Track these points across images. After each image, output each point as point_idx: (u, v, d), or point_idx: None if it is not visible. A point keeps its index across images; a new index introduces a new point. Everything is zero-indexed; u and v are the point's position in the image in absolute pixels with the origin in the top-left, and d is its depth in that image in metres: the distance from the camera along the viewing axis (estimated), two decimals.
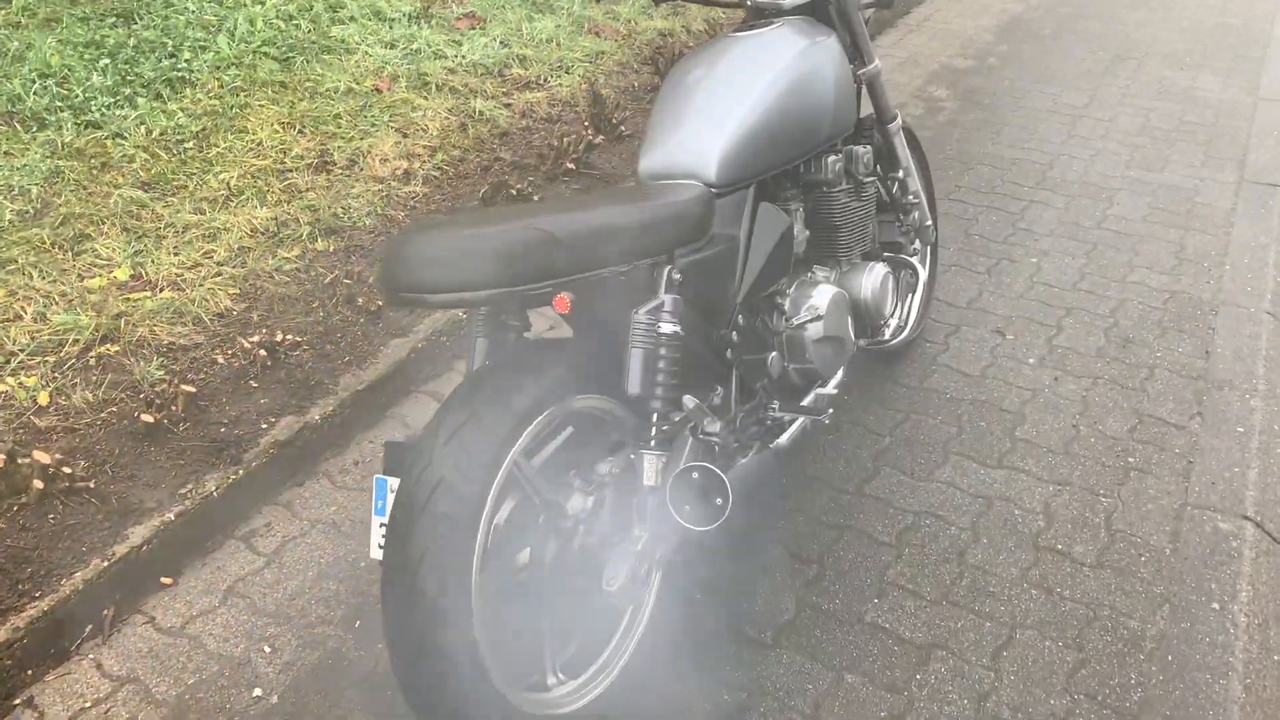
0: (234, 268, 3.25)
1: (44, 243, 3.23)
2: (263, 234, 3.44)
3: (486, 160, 4.07)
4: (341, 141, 4.02)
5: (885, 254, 2.64)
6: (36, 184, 3.51)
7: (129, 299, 3.05)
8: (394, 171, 3.90)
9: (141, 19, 4.78)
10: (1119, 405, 2.92)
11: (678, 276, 1.83)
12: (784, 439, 2.22)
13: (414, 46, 4.84)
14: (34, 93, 4.06)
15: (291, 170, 3.82)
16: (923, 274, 2.64)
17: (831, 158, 2.30)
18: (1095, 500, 2.57)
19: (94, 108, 4.02)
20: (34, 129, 3.88)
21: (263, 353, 2.79)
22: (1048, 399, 2.94)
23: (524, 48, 5.02)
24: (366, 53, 4.74)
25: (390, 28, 5.02)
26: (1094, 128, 4.85)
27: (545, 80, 4.78)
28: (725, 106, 2.13)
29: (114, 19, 4.78)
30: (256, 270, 3.25)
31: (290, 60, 4.59)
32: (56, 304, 2.97)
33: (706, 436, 1.91)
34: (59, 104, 4.03)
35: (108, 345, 2.85)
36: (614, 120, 4.28)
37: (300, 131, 4.06)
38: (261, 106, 4.17)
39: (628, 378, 1.76)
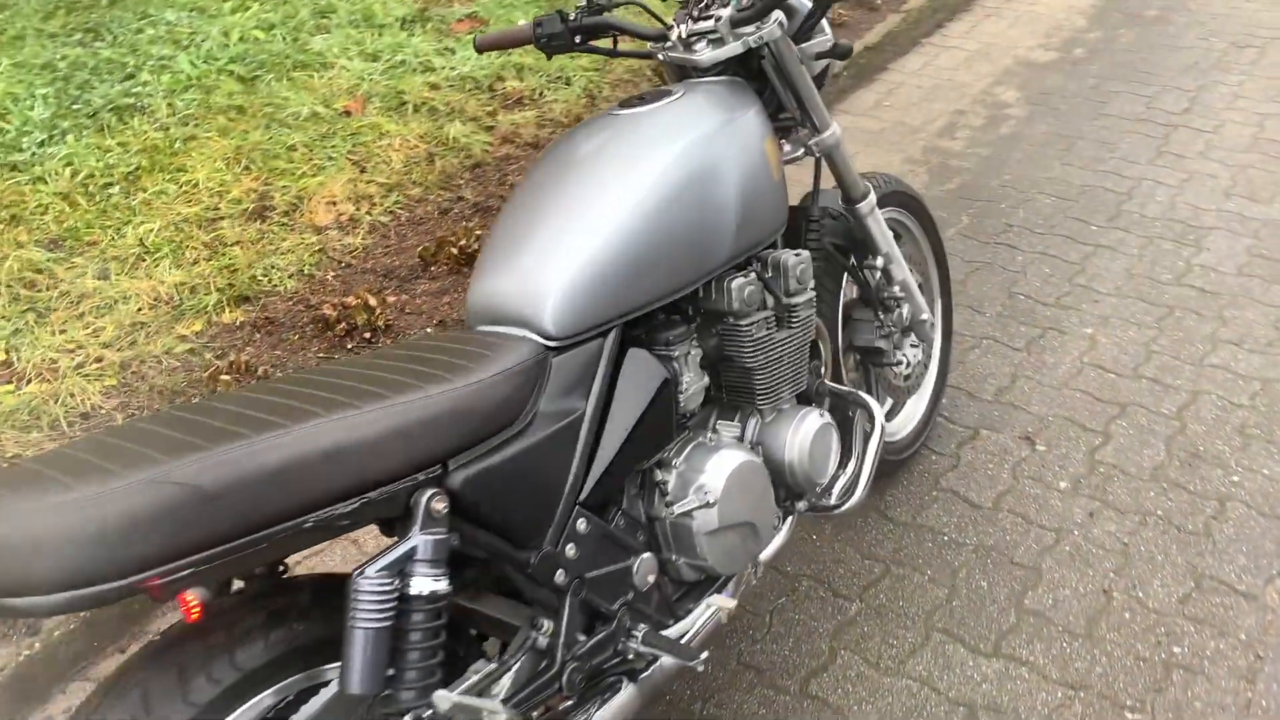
0: (119, 350, 2.82)
1: None
2: (165, 304, 2.99)
3: (448, 201, 3.55)
4: (289, 180, 3.55)
5: (833, 385, 2.01)
6: None
7: None
8: (338, 218, 3.41)
9: (110, 34, 4.39)
10: (1171, 558, 2.24)
11: (441, 507, 1.28)
12: (654, 673, 1.65)
13: (398, 58, 4.33)
14: None
15: (224, 218, 3.37)
16: (879, 417, 2.00)
17: (739, 280, 1.69)
18: (1119, 718, 1.92)
19: (25, 145, 3.64)
20: None
21: None
22: (1076, 546, 2.28)
23: (524, 55, 4.46)
24: (344, 68, 4.26)
25: (379, 35, 4.52)
26: (1191, 142, 4.03)
27: (541, 95, 4.22)
28: (580, 224, 1.56)
29: (81, 34, 4.41)
30: (144, 354, 2.81)
31: (257, 80, 4.14)
32: None
33: None
34: None
35: None
36: None
37: (245, 169, 3.60)
38: (209, 139, 3.73)
39: (344, 672, 1.22)
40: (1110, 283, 3.20)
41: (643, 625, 1.60)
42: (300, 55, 4.30)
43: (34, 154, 3.61)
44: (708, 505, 1.64)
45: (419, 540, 1.26)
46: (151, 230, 3.26)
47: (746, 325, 1.72)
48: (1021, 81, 4.62)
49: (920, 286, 2.39)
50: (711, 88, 1.80)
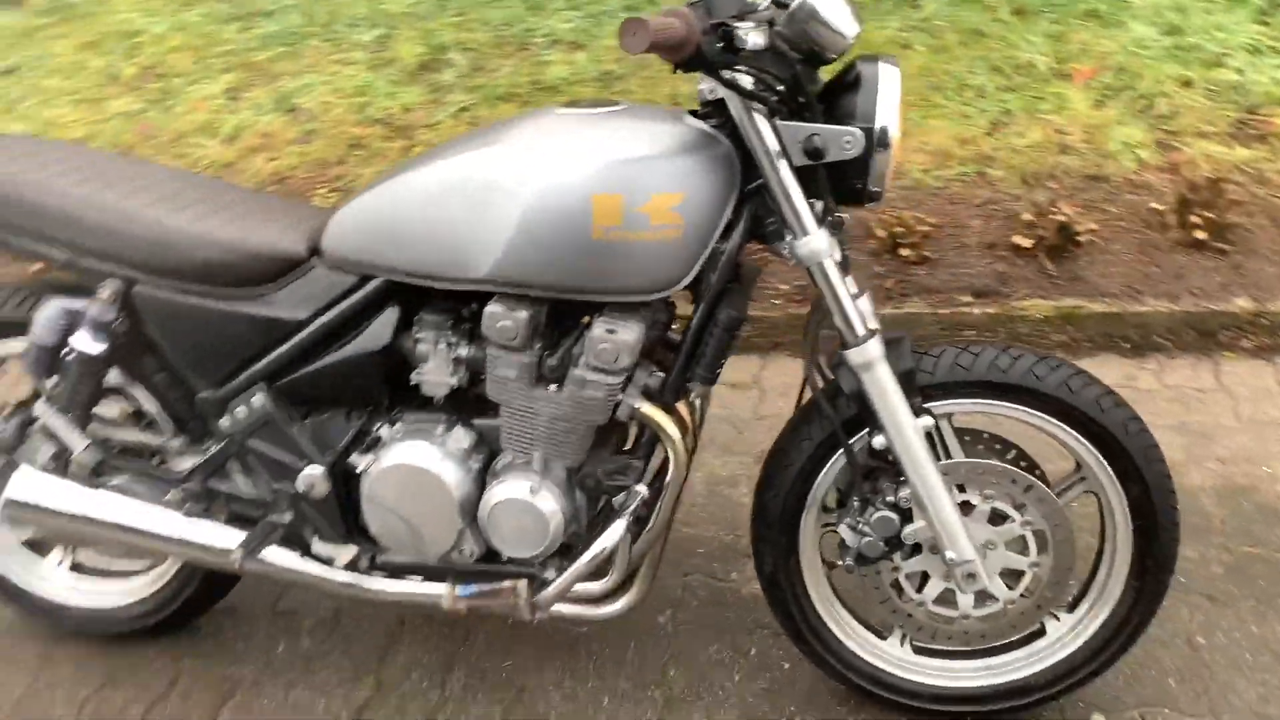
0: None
1: None
2: None
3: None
4: (916, 114, 3.49)
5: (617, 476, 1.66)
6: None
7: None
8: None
9: None
10: None
11: (106, 295, 1.70)
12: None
13: (1192, 40, 3.64)
14: None
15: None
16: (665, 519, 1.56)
17: (495, 307, 1.57)
18: None
19: None
20: None
21: None
22: None
23: None
24: (1129, 28, 3.75)
25: (1209, 10, 3.80)
26: None
27: None
28: (405, 172, 1.64)
29: None
30: None
31: (1038, 15, 3.91)
32: None
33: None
34: None
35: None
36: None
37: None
38: (918, 50, 3.77)
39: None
40: None
41: (288, 518, 1.78)
42: (1100, 3, 3.89)
43: None
44: (368, 473, 1.70)
45: (88, 305, 1.72)
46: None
47: (493, 353, 1.61)
48: None
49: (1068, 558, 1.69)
50: (672, 127, 1.56)
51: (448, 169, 1.58)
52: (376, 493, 1.70)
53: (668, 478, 1.68)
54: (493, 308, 1.58)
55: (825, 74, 1.58)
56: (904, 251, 2.84)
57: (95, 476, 1.82)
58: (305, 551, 1.81)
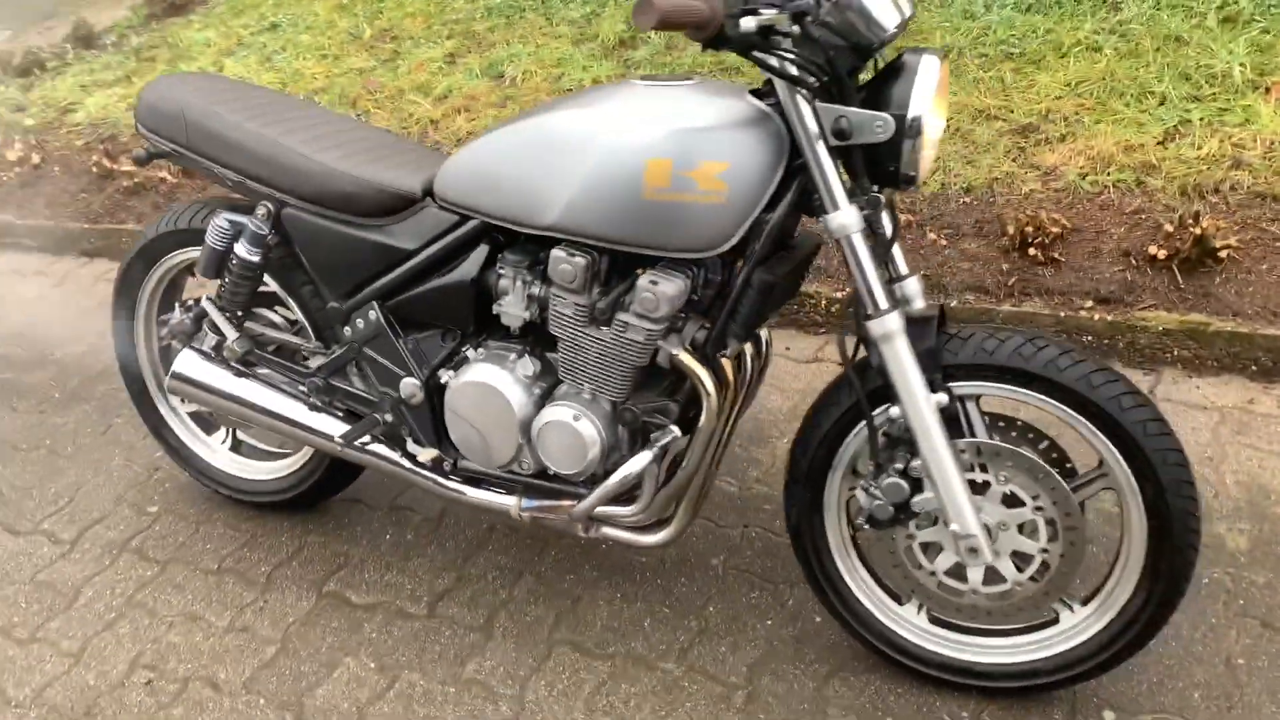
0: None
1: None
2: None
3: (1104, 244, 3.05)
4: (1097, 117, 3.43)
5: (659, 432, 1.82)
6: None
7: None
8: (1042, 171, 3.26)
9: None
10: None
11: (262, 212, 2.04)
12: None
13: None
14: None
15: (989, 122, 3.53)
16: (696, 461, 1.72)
17: (559, 252, 1.78)
18: None
19: None
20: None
21: None
22: None
23: None
24: None
25: None
26: None
27: None
28: (504, 124, 1.89)
29: None
30: None
31: (1233, 22, 3.72)
32: None
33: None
34: None
35: None
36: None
37: (1080, 92, 3.56)
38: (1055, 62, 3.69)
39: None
40: None
41: (389, 418, 2.08)
42: None
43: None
44: (447, 386, 1.97)
45: (248, 220, 2.07)
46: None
47: (555, 292, 1.83)
48: None
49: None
50: (729, 102, 1.71)
51: (534, 127, 1.80)
52: (456, 403, 1.97)
53: (700, 424, 1.85)
54: (557, 252, 1.79)
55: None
56: (1032, 251, 2.84)
57: (244, 365, 2.18)
58: (400, 449, 2.11)
